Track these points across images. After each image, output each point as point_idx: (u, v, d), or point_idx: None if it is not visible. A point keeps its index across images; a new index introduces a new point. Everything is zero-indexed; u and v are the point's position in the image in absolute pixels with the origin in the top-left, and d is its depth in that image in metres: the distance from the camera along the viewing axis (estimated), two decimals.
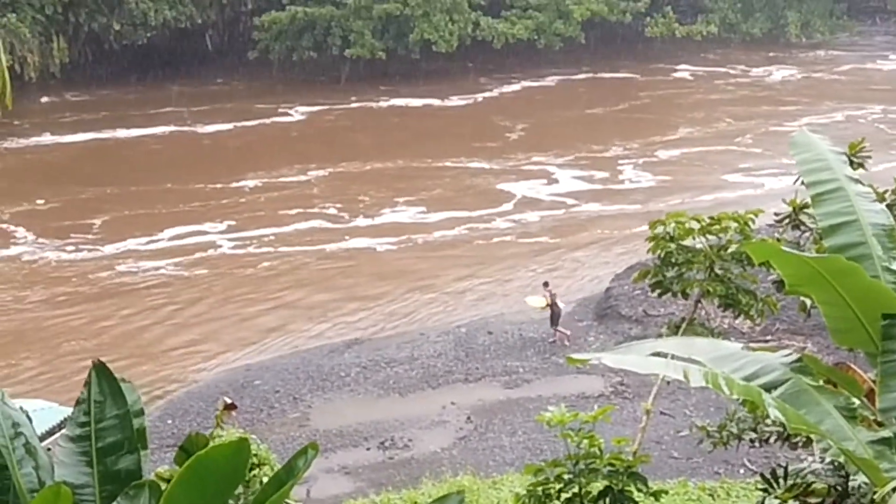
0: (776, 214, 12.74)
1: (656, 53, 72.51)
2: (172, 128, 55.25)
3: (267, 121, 57.24)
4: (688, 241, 13.55)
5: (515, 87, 65.85)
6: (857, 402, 7.49)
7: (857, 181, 8.44)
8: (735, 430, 12.23)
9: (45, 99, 58.99)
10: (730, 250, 13.09)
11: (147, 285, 35.08)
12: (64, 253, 37.87)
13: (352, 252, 38.24)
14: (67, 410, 16.03)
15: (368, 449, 24.24)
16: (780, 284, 10.24)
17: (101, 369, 7.42)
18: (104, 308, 33.22)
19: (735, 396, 7.13)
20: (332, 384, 27.52)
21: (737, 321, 22.02)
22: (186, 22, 63.37)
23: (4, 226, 40.84)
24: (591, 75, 68.48)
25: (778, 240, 12.22)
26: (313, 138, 55.21)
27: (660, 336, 14.54)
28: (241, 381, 28.08)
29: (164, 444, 23.08)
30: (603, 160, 49.85)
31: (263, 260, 37.31)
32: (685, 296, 13.66)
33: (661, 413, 23.96)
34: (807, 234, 12.30)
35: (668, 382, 14.67)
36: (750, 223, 13.33)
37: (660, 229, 13.56)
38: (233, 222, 40.94)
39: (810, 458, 8.93)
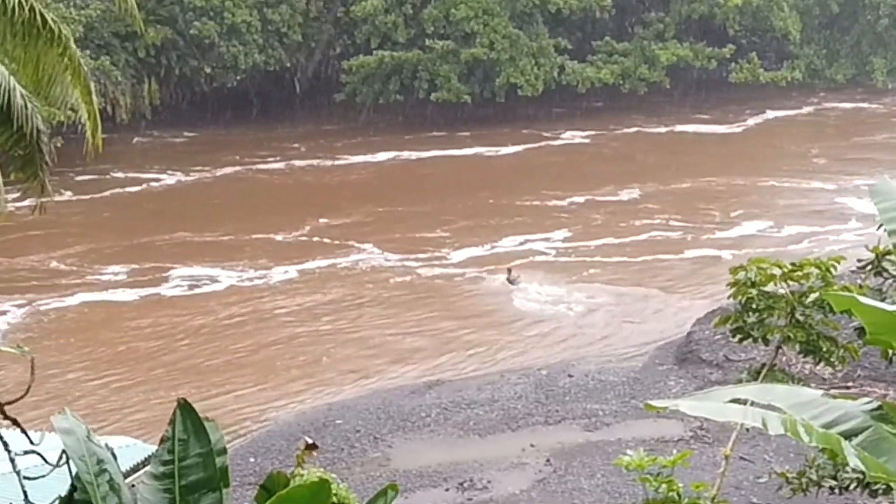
0: (859, 261, 12.70)
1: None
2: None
3: (547, 144, 60.00)
4: (769, 287, 13.49)
5: (762, 117, 68.23)
6: None
7: None
8: (814, 477, 12.16)
9: (136, 139, 60.14)
10: (811, 297, 12.99)
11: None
12: (387, 261, 40.67)
13: (686, 262, 40.04)
14: (152, 448, 16.28)
15: (447, 490, 24.23)
16: (861, 331, 10.19)
17: (185, 408, 7.55)
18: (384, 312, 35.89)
19: (814, 444, 7.10)
20: (413, 424, 27.62)
21: (818, 367, 21.81)
22: (276, 65, 64.26)
23: (325, 238, 43.49)
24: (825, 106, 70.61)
25: (860, 286, 12.17)
26: (606, 160, 57.24)
27: (739, 382, 14.47)
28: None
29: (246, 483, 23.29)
30: None
31: (590, 267, 39.47)
32: (766, 342, 13.60)
33: (741, 458, 23.72)
34: (889, 280, 12.24)
35: (748, 429, 14.58)
36: (832, 269, 13.25)
37: (741, 275, 13.52)
38: (569, 233, 43.37)
39: None
